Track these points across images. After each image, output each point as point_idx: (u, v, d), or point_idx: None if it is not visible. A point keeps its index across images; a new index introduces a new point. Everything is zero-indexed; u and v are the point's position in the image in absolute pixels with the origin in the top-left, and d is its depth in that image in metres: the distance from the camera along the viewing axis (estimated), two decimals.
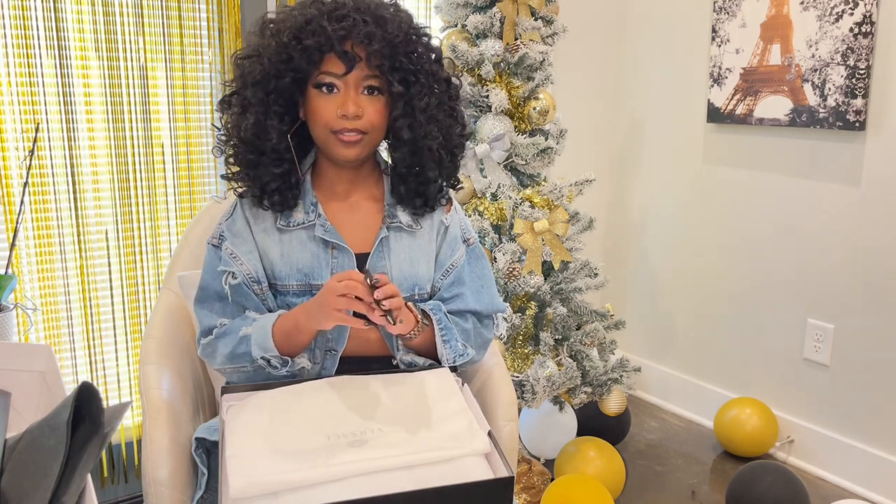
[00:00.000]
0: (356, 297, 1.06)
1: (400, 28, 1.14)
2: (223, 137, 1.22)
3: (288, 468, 0.97)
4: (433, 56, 1.20)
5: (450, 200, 1.33)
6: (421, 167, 1.22)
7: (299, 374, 1.20)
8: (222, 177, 1.25)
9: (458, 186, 1.32)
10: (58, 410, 0.92)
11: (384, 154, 1.32)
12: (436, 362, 1.25)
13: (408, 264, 1.24)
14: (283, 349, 1.15)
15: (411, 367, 1.25)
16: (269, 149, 1.17)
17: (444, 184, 1.29)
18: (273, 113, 1.16)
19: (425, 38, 1.19)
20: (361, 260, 1.22)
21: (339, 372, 1.21)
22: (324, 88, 1.15)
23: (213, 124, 1.32)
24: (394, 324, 1.05)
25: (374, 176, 1.29)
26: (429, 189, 1.25)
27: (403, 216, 1.26)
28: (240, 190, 1.24)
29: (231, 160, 1.22)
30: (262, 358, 1.15)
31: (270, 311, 1.23)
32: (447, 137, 1.22)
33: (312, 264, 1.20)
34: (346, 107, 1.13)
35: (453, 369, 1.24)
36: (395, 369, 1.23)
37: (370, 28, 1.10)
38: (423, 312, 1.22)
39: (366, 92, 1.16)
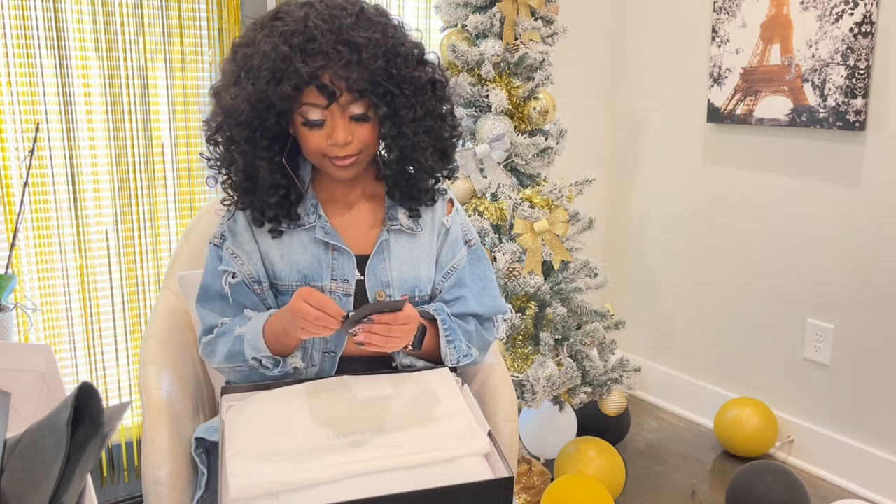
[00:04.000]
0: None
1: (377, 49, 1.10)
2: (214, 166, 1.21)
3: (288, 469, 0.97)
4: (415, 61, 1.16)
5: (451, 202, 1.33)
6: (412, 177, 1.23)
7: (293, 374, 1.19)
8: (222, 202, 1.24)
9: (455, 176, 1.31)
10: (58, 410, 0.92)
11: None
12: (437, 366, 1.25)
13: (408, 266, 1.24)
14: (274, 349, 1.15)
15: (410, 368, 1.24)
16: (263, 183, 1.17)
17: (440, 178, 1.29)
18: (261, 148, 1.15)
19: (404, 46, 1.15)
20: (361, 261, 1.22)
21: (338, 372, 1.21)
22: (310, 126, 1.13)
23: (200, 153, 1.31)
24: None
25: (373, 176, 1.29)
26: (421, 195, 1.26)
27: (403, 217, 1.26)
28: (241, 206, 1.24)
29: (225, 185, 1.21)
30: (254, 358, 1.15)
31: (270, 310, 1.23)
32: (437, 141, 1.21)
33: (312, 265, 1.20)
34: (336, 136, 1.12)
35: (453, 369, 1.24)
36: (394, 370, 1.23)
37: (345, 58, 1.07)
38: (422, 327, 1.21)
39: (352, 120, 1.14)
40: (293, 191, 1.21)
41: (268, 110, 1.11)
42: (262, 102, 1.10)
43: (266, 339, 1.15)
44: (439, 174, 1.27)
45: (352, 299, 1.21)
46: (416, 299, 1.26)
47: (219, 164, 1.20)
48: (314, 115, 1.12)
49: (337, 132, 1.12)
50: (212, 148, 1.19)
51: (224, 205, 1.25)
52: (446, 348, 1.22)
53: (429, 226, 1.28)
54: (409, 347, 1.18)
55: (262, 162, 1.15)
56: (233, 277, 1.20)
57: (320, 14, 1.08)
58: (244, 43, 1.13)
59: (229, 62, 1.15)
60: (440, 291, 1.29)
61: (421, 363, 1.26)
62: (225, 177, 1.20)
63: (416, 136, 1.17)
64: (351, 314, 1.06)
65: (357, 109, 1.13)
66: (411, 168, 1.22)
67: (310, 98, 1.10)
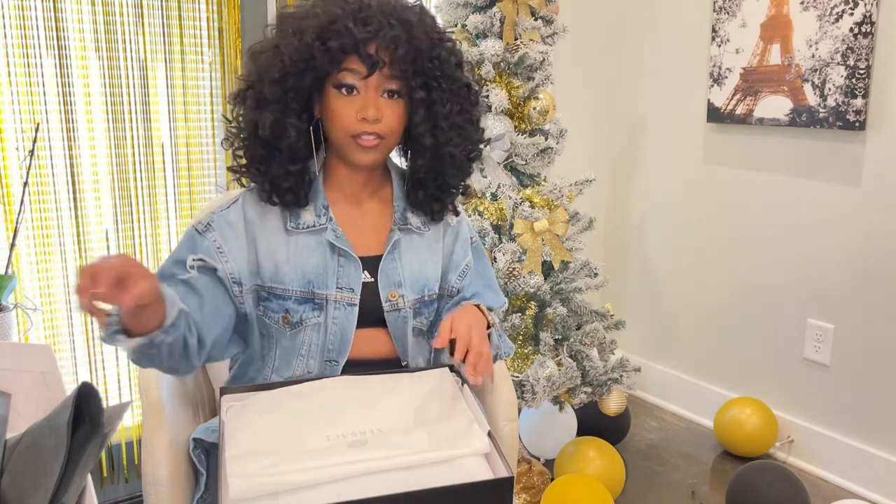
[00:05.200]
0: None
1: (426, 33, 1.11)
2: (233, 130, 1.19)
3: (288, 469, 0.97)
4: (455, 61, 1.18)
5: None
6: (442, 174, 1.21)
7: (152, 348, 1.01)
8: (229, 169, 1.21)
9: (468, 193, 1.32)
10: (58, 411, 0.92)
11: (394, 157, 1.31)
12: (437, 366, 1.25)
13: (418, 266, 1.24)
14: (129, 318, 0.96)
15: (416, 367, 1.24)
16: (287, 146, 1.15)
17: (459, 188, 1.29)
18: (291, 111, 1.13)
19: (449, 43, 1.17)
20: (372, 262, 1.22)
21: (341, 373, 1.21)
22: (343, 90, 1.12)
23: (223, 115, 1.29)
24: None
25: (384, 178, 1.29)
26: (448, 195, 1.25)
27: (413, 219, 1.25)
28: (250, 184, 1.21)
29: (239, 153, 1.19)
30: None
31: (245, 315, 1.19)
32: (466, 144, 1.21)
33: (318, 271, 1.18)
34: (367, 111, 1.11)
35: (452, 369, 1.24)
36: (396, 369, 1.23)
37: (396, 32, 1.08)
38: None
39: (385, 95, 1.13)
40: (307, 171, 1.19)
41: (307, 69, 1.10)
42: (303, 61, 1.09)
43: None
44: (464, 181, 1.27)
45: (356, 309, 1.19)
46: (426, 298, 1.25)
47: (238, 128, 1.18)
48: (350, 79, 1.11)
49: (368, 106, 1.11)
50: (235, 111, 1.18)
51: (230, 171, 1.21)
52: (498, 341, 1.24)
53: (434, 227, 1.28)
54: (491, 328, 1.20)
55: (290, 122, 1.13)
56: (200, 261, 1.14)
57: None
58: (294, 12, 1.14)
59: (273, 28, 1.15)
60: (458, 290, 1.29)
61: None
62: (241, 143, 1.17)
63: (450, 131, 1.18)
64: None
65: (392, 86, 1.13)
66: (440, 165, 1.20)
67: (351, 64, 1.10)
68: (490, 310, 1.30)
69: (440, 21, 2.20)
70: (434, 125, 1.16)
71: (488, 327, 1.19)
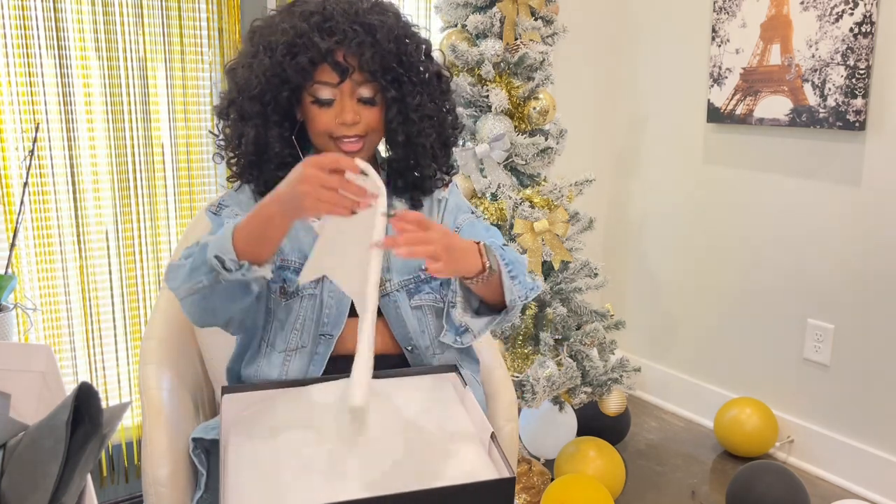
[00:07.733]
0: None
1: (390, 33, 1.14)
2: (223, 143, 1.23)
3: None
4: (423, 52, 1.21)
5: (447, 182, 1.34)
6: (417, 164, 1.25)
7: (256, 284, 1.12)
8: (228, 179, 1.26)
9: (453, 172, 1.33)
10: (57, 411, 0.92)
11: (380, 148, 1.33)
12: (446, 368, 1.24)
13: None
14: (243, 252, 1.06)
15: (418, 367, 1.24)
16: (272, 156, 1.19)
17: (439, 173, 1.30)
18: (272, 123, 1.17)
19: (414, 37, 1.20)
20: None
21: (342, 371, 1.20)
22: (320, 104, 1.16)
23: (210, 131, 1.34)
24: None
25: (372, 166, 1.30)
26: (425, 183, 1.27)
27: (399, 204, 1.28)
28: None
29: (232, 161, 1.23)
30: (216, 257, 1.04)
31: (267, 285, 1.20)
32: (440, 131, 1.24)
33: (314, 244, 1.20)
34: (344, 115, 1.15)
35: (456, 370, 1.23)
36: (397, 370, 1.22)
37: (361, 38, 1.11)
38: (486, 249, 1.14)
39: (361, 102, 1.17)
40: None
41: (281, 84, 1.14)
42: (276, 76, 1.13)
43: (236, 240, 1.06)
44: (441, 167, 1.28)
45: None
46: (422, 276, 1.25)
47: (226, 141, 1.22)
48: (325, 93, 1.15)
49: (345, 111, 1.15)
50: (221, 124, 1.22)
51: (229, 182, 1.26)
52: (510, 284, 1.16)
53: (427, 206, 1.30)
54: (487, 271, 1.11)
55: (272, 134, 1.17)
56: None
57: (339, 0, 1.14)
58: (262, 25, 1.18)
59: (246, 42, 1.19)
60: None
61: (478, 324, 1.21)
62: (231, 155, 1.22)
63: (421, 122, 1.20)
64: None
65: (366, 92, 1.16)
66: (414, 156, 1.23)
67: (322, 76, 1.14)
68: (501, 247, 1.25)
69: (441, 21, 2.21)
70: (406, 119, 1.20)
71: (483, 272, 1.11)
